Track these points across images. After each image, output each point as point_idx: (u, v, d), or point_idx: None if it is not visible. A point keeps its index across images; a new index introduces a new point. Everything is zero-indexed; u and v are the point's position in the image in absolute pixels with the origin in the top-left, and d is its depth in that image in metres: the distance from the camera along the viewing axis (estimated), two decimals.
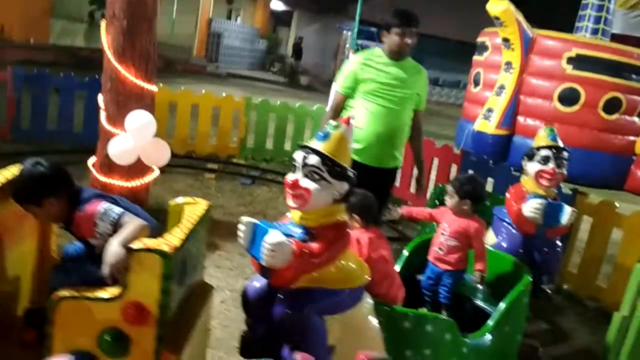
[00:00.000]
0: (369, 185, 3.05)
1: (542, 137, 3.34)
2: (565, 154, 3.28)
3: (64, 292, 1.86)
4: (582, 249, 4.59)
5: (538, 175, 3.27)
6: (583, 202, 4.47)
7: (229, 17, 24.81)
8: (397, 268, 3.06)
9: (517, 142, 10.00)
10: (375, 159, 3.52)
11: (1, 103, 5.97)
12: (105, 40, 3.85)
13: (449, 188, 2.94)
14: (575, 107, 9.62)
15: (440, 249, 2.93)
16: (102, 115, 3.99)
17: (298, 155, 2.07)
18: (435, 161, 6.01)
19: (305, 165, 2.04)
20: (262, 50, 24.66)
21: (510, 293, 2.75)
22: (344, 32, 21.82)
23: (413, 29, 3.41)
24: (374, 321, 2.27)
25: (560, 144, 3.31)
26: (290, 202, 2.07)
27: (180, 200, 2.31)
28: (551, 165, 3.24)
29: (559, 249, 3.47)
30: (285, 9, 25.62)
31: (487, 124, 10.15)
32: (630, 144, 9.92)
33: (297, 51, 21.77)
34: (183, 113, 6.84)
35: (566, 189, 4.71)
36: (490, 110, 10.23)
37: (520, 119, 10.08)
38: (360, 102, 3.48)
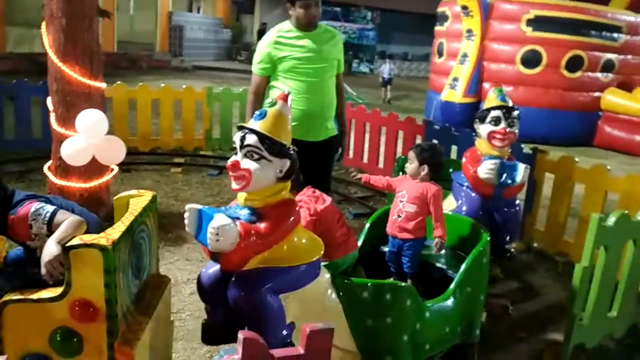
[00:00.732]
0: (307, 160, 3.07)
1: (491, 99, 3.36)
2: (515, 113, 3.31)
3: (8, 296, 1.83)
4: (547, 207, 4.66)
5: (490, 136, 3.30)
6: (543, 160, 4.52)
7: (189, 9, 24.46)
8: (359, 242, 3.08)
9: None
10: (309, 133, 3.45)
11: None
12: (46, 40, 3.76)
13: (410, 153, 2.94)
14: (538, 69, 9.72)
15: (398, 216, 2.94)
16: (52, 117, 3.91)
17: (237, 137, 2.06)
18: (400, 134, 6.01)
19: (243, 145, 2.03)
20: (227, 39, 24.39)
21: (470, 255, 2.78)
22: None
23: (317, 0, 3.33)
24: (332, 295, 2.28)
25: (510, 104, 3.33)
26: (234, 184, 2.06)
27: (124, 194, 2.27)
28: (502, 125, 3.27)
29: (518, 208, 3.51)
30: None
31: (454, 93, 10.22)
32: (595, 100, 10.06)
33: (262, 38, 21.60)
34: (143, 109, 6.75)
35: (527, 148, 4.76)
36: (455, 79, 10.29)
37: (486, 85, 10.14)
38: (282, 80, 3.41)
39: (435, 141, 5.45)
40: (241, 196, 2.12)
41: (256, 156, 2.01)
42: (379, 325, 2.34)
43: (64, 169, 3.93)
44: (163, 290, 2.31)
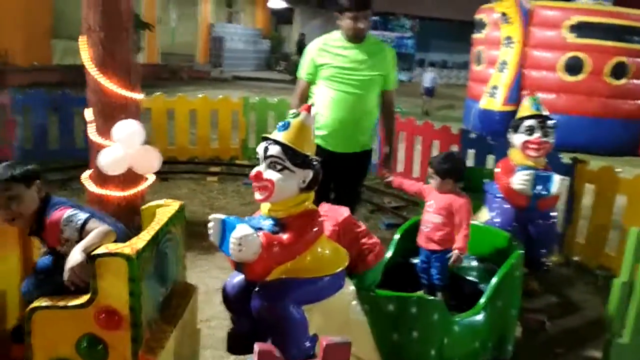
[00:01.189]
0: (337, 171, 3.07)
1: (525, 108, 3.29)
2: (550, 122, 3.22)
3: (37, 303, 1.88)
4: (588, 218, 4.51)
5: (524, 146, 3.22)
6: (583, 170, 4.38)
7: (229, 21, 24.88)
8: (389, 253, 3.05)
9: None
10: (340, 145, 3.42)
11: (2, 127, 6.06)
12: (85, 53, 3.87)
13: (429, 170, 2.91)
14: (581, 76, 9.46)
15: (426, 226, 2.91)
16: (90, 128, 4.02)
17: (260, 148, 2.07)
18: (436, 143, 5.94)
19: (267, 156, 2.04)
20: (266, 50, 24.65)
21: (501, 268, 2.71)
22: None
23: (367, 12, 3.28)
24: (357, 307, 2.25)
25: (545, 113, 3.25)
26: (257, 194, 2.07)
27: (152, 203, 2.31)
28: (537, 134, 3.18)
29: (554, 221, 3.41)
30: (286, 6, 25.58)
31: (493, 101, 10.04)
32: None
33: (301, 48, 21.69)
34: (181, 119, 6.88)
35: (566, 158, 4.62)
36: (495, 87, 10.11)
37: (526, 93, 9.94)
38: (322, 88, 3.41)
39: (471, 150, 5.39)
40: (265, 206, 2.13)
41: (279, 167, 2.02)
42: (405, 339, 2.30)
43: (102, 178, 4.01)
44: (189, 299, 2.33)
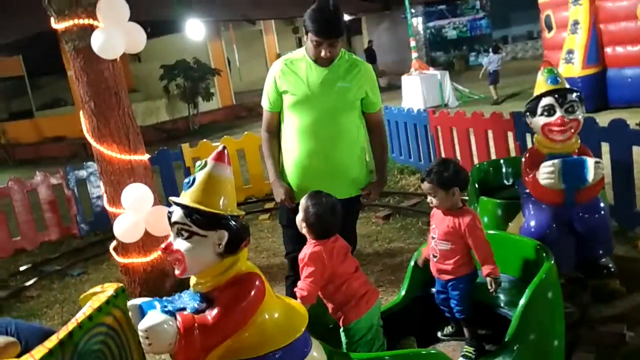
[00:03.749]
0: None
1: (540, 83, 2.70)
2: (573, 95, 2.61)
3: None
4: None
5: (546, 130, 2.63)
6: None
7: (299, 45, 25.08)
8: (405, 285, 2.62)
9: (613, 75, 8.83)
10: (314, 187, 2.51)
11: (62, 204, 6.29)
12: (84, 125, 3.84)
13: (425, 186, 2.39)
14: None
15: (434, 255, 2.43)
16: (104, 198, 3.97)
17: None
18: (490, 134, 5.28)
19: (171, 223, 1.73)
20: None
21: (528, 290, 2.17)
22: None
23: (334, 40, 2.67)
24: None
25: (565, 85, 2.64)
26: (176, 269, 1.77)
27: (90, 291, 2.08)
28: (558, 114, 2.59)
29: (603, 212, 2.74)
30: (352, 17, 25.32)
31: (572, 68, 9.01)
32: None
33: (370, 55, 21.22)
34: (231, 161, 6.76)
35: (633, 124, 3.86)
36: (570, 51, 9.10)
37: (608, 49, 8.86)
38: (288, 118, 2.90)
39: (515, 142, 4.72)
40: (192, 281, 1.82)
41: (186, 234, 1.71)
42: None
43: (123, 247, 3.94)
44: None
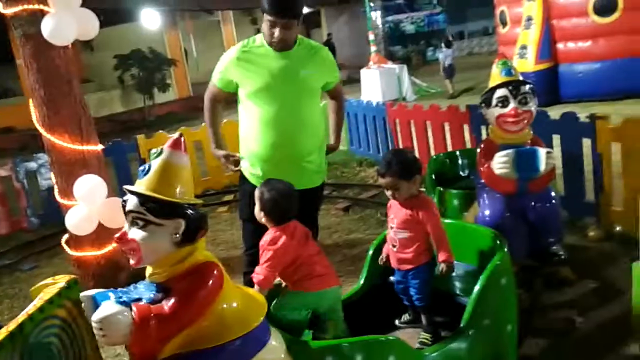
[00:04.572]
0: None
1: (494, 76, 2.76)
2: (526, 87, 2.68)
3: None
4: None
5: (500, 121, 2.70)
6: (605, 128, 3.73)
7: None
8: (363, 273, 2.64)
9: (564, 71, 9.09)
10: (279, 176, 2.43)
11: (11, 196, 6.07)
12: (34, 115, 3.70)
13: (384, 181, 2.37)
14: (615, 15, 8.49)
15: (393, 245, 2.45)
16: (55, 190, 3.84)
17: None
18: (447, 126, 5.38)
19: (126, 212, 1.69)
20: None
21: (482, 276, 2.22)
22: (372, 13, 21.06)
23: (289, 21, 2.61)
24: None
25: (519, 77, 2.71)
26: (130, 259, 1.73)
27: (41, 283, 2.02)
28: (512, 105, 2.65)
29: (554, 201, 2.83)
30: (311, 10, 25.24)
31: (525, 63, 9.23)
32: None
33: (329, 48, 21.39)
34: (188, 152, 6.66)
35: (583, 117, 3.99)
36: (524, 47, 9.34)
37: (560, 45, 9.11)
38: (247, 108, 2.81)
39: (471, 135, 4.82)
40: (147, 270, 1.79)
41: (141, 223, 1.68)
42: None
43: (76, 240, 3.83)
44: None
